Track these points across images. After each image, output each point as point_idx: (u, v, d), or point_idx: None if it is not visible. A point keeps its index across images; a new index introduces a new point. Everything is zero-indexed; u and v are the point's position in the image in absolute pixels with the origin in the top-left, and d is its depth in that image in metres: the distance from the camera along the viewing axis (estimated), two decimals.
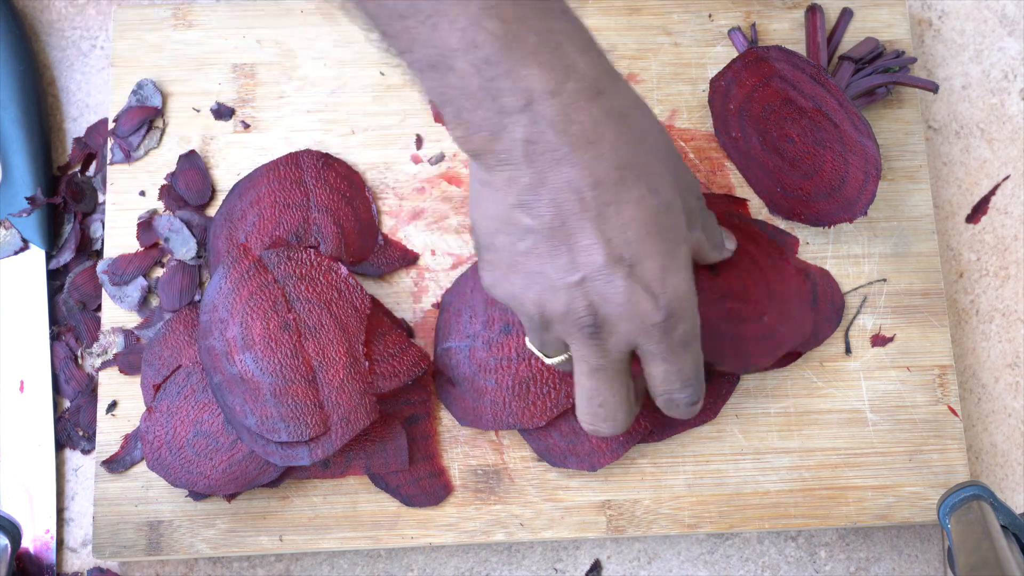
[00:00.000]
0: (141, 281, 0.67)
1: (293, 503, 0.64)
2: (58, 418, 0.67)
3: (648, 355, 0.52)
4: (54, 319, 0.69)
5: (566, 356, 0.55)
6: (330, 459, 0.62)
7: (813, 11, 0.71)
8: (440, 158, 0.69)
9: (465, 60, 0.46)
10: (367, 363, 0.61)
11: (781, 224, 0.69)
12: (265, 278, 0.62)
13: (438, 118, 0.70)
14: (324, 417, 0.60)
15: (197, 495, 0.63)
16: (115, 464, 0.64)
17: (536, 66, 0.46)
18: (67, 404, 0.67)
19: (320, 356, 0.61)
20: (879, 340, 0.67)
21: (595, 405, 0.54)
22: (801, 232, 0.69)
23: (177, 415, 0.62)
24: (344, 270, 0.63)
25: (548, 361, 0.56)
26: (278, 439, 0.59)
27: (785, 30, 0.73)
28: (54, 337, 0.68)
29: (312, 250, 0.63)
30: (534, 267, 0.50)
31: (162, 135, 0.69)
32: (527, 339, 0.56)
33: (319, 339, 0.61)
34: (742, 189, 0.70)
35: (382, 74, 0.71)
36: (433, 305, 0.67)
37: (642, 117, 0.50)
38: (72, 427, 0.67)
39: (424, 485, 0.63)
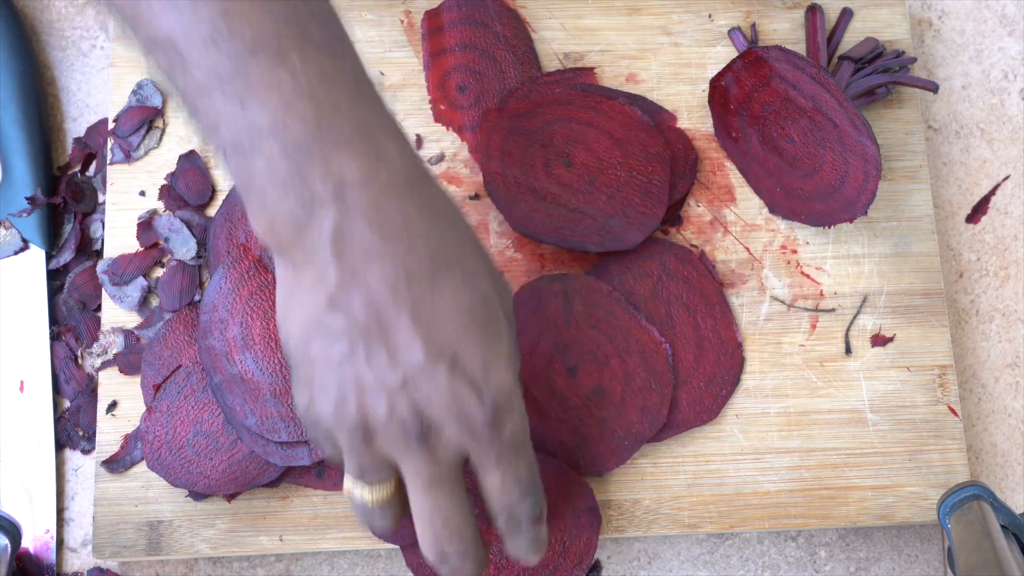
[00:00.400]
0: (141, 281, 0.67)
1: (293, 503, 0.64)
2: (58, 418, 0.67)
3: (480, 464, 0.48)
4: (54, 319, 0.69)
5: (391, 483, 0.49)
6: (326, 470, 0.62)
7: (813, 11, 0.71)
8: (440, 158, 0.69)
9: (274, 143, 0.44)
10: None
11: (781, 224, 0.69)
12: (265, 278, 0.62)
13: (438, 118, 0.70)
14: None
15: (197, 495, 0.63)
16: (115, 464, 0.64)
17: (349, 154, 0.44)
18: (67, 404, 0.67)
19: None
20: (879, 340, 0.67)
21: (438, 526, 0.49)
22: (801, 232, 0.69)
23: (177, 415, 0.62)
24: None
25: (370, 497, 0.50)
26: (278, 439, 0.59)
27: (785, 30, 0.73)
28: (54, 337, 0.68)
29: None
30: (352, 374, 0.46)
31: (162, 135, 0.70)
32: (345, 478, 0.50)
33: None
34: (742, 189, 0.70)
35: (382, 73, 0.71)
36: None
37: (453, 211, 0.49)
38: (72, 427, 0.67)
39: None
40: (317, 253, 0.45)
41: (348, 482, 0.50)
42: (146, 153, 0.69)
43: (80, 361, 0.68)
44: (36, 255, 0.69)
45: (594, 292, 0.65)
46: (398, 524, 0.51)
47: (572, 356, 0.64)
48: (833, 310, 0.68)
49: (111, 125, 0.69)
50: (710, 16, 0.73)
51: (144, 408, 0.64)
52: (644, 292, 0.66)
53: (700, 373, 0.65)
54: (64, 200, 0.69)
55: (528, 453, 0.50)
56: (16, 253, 0.69)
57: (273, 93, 0.43)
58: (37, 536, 0.65)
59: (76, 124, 0.73)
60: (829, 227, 0.69)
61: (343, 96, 0.45)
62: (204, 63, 0.44)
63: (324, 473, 0.63)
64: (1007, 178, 0.74)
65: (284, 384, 0.60)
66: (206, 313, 0.62)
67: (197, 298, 0.66)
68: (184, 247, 0.67)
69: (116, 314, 0.67)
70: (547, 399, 0.64)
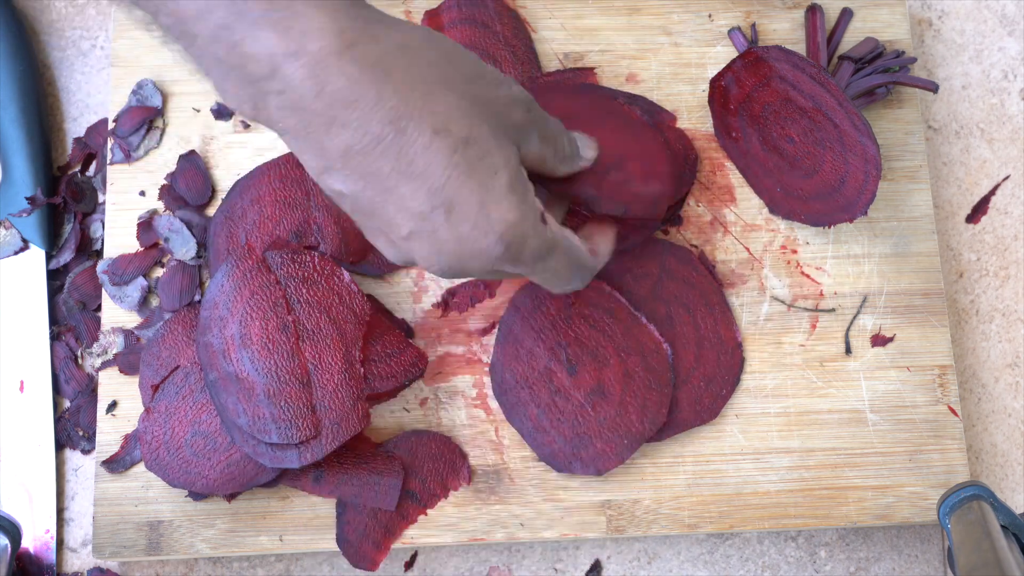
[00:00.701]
0: (141, 281, 0.67)
1: (293, 503, 0.64)
2: (58, 418, 0.67)
3: (517, 272, 0.51)
4: (54, 319, 0.69)
5: None
6: (324, 475, 0.62)
7: (813, 11, 0.71)
8: None
9: (203, 26, 0.44)
10: (362, 368, 0.61)
11: (781, 224, 0.69)
12: (267, 278, 0.62)
13: None
14: (316, 421, 0.60)
15: (197, 495, 0.63)
16: (115, 464, 0.64)
17: (269, 28, 0.43)
18: (67, 404, 0.67)
19: (316, 360, 0.61)
20: (879, 340, 0.68)
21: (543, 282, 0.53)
22: (801, 232, 0.69)
23: (175, 415, 0.62)
24: (347, 276, 0.63)
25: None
26: (268, 440, 0.59)
27: (785, 30, 0.73)
28: (54, 337, 0.68)
29: (316, 253, 0.63)
30: (368, 223, 0.48)
31: (162, 135, 0.70)
32: None
33: (316, 343, 0.61)
34: (742, 189, 0.70)
35: None
36: (433, 305, 0.67)
37: (413, 58, 0.47)
38: (72, 427, 0.67)
39: (366, 550, 0.63)
40: (286, 126, 0.46)
41: None
42: (146, 153, 0.69)
43: (80, 361, 0.68)
44: (36, 255, 0.69)
45: (594, 292, 0.65)
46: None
47: (572, 355, 0.64)
48: (833, 310, 0.68)
49: (111, 125, 0.69)
50: (710, 16, 0.73)
51: (143, 408, 0.64)
52: (644, 292, 0.66)
53: (700, 373, 0.65)
54: (64, 200, 0.69)
55: (558, 252, 0.51)
56: (16, 253, 0.69)
57: None
58: (37, 536, 0.65)
59: (76, 124, 0.73)
60: (829, 227, 0.69)
61: None
62: None
63: (321, 479, 0.63)
64: (1007, 178, 0.74)
65: (278, 385, 0.60)
66: (206, 310, 0.62)
67: (197, 298, 0.66)
68: (184, 247, 0.67)
69: (116, 314, 0.67)
70: (547, 398, 0.64)
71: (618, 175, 0.62)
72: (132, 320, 0.67)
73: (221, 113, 0.70)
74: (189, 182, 0.68)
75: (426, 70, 0.47)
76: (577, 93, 0.67)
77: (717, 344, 0.66)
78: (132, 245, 0.68)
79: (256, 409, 0.59)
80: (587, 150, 0.57)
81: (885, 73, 0.70)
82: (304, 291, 0.62)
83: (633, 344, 0.65)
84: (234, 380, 0.60)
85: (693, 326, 0.66)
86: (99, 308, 0.68)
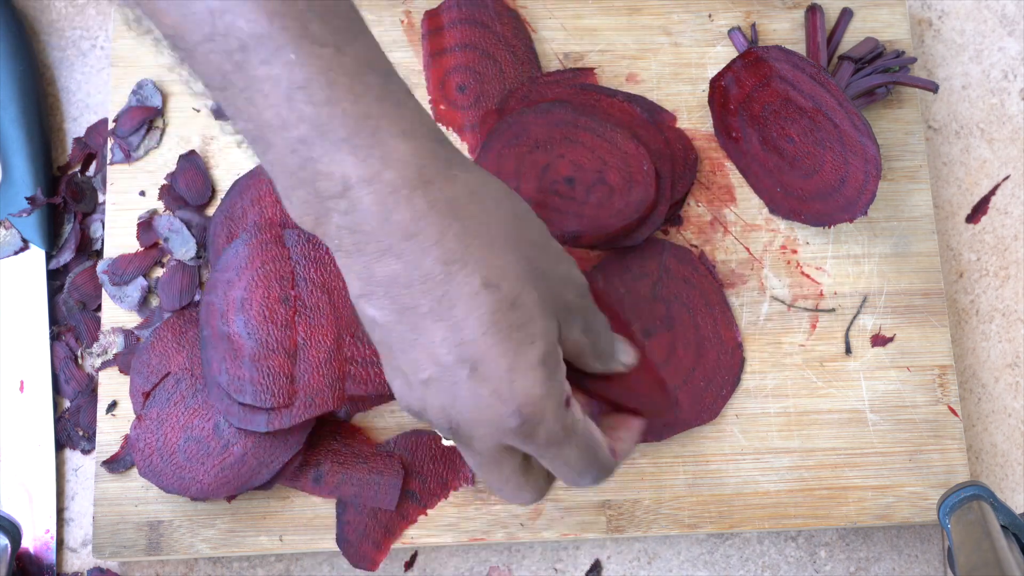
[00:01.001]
0: (141, 281, 0.67)
1: (293, 503, 0.64)
2: (58, 418, 0.67)
3: (527, 452, 0.48)
4: (54, 319, 0.68)
5: None
6: (324, 475, 0.63)
7: (813, 11, 0.71)
8: None
9: (281, 139, 0.44)
10: (346, 362, 0.62)
11: (781, 224, 0.69)
12: (280, 252, 0.63)
13: (438, 118, 0.70)
14: (292, 391, 0.60)
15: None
16: (115, 464, 0.64)
17: (350, 152, 0.43)
18: (67, 404, 0.67)
19: (307, 335, 0.61)
20: (879, 340, 0.67)
21: (495, 490, 0.50)
22: (801, 232, 0.69)
23: (167, 422, 0.62)
24: None
25: (445, 443, 0.54)
26: (241, 399, 0.60)
27: (785, 30, 0.73)
28: (54, 337, 0.68)
29: None
30: (390, 359, 0.47)
31: (162, 135, 0.70)
32: None
33: (311, 319, 0.62)
34: (742, 189, 0.70)
35: None
36: None
37: (487, 209, 0.46)
38: (72, 427, 0.67)
39: (366, 550, 0.63)
40: (340, 244, 0.45)
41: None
42: (146, 153, 0.69)
43: (80, 361, 0.68)
44: (36, 255, 0.69)
45: (685, 261, 0.67)
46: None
47: (652, 325, 0.65)
48: (833, 310, 0.68)
49: (111, 125, 0.69)
50: (710, 16, 0.73)
51: (135, 416, 0.64)
52: (644, 291, 0.66)
53: (700, 373, 0.65)
54: (64, 200, 0.69)
55: (575, 441, 0.48)
56: (16, 253, 0.69)
57: (272, 90, 0.43)
58: (37, 536, 0.65)
59: (76, 124, 0.73)
60: (829, 227, 0.69)
61: (344, 91, 0.44)
62: (208, 59, 0.44)
63: (321, 479, 0.63)
64: (1007, 178, 0.74)
65: (265, 352, 0.61)
66: (218, 271, 0.63)
67: (197, 298, 0.66)
68: (184, 247, 0.67)
69: (116, 314, 0.67)
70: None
71: (599, 192, 0.62)
72: (132, 320, 0.67)
73: (221, 113, 0.70)
74: (189, 182, 0.68)
75: (493, 222, 0.46)
76: (549, 111, 0.67)
77: (717, 344, 0.66)
78: (132, 245, 0.68)
79: (238, 369, 0.60)
80: (625, 356, 0.55)
81: (885, 73, 0.70)
82: (312, 270, 0.63)
83: (713, 334, 0.65)
84: (225, 339, 0.61)
85: (693, 326, 0.66)
86: (99, 308, 0.68)
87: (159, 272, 0.67)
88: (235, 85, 0.44)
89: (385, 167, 0.44)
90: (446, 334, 0.45)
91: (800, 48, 0.71)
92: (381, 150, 0.44)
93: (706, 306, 0.66)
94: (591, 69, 0.71)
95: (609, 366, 0.54)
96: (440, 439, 0.63)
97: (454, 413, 0.46)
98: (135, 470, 0.63)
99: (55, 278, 0.69)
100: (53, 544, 0.65)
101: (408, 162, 0.44)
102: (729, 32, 0.72)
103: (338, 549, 0.63)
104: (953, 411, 0.66)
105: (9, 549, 0.60)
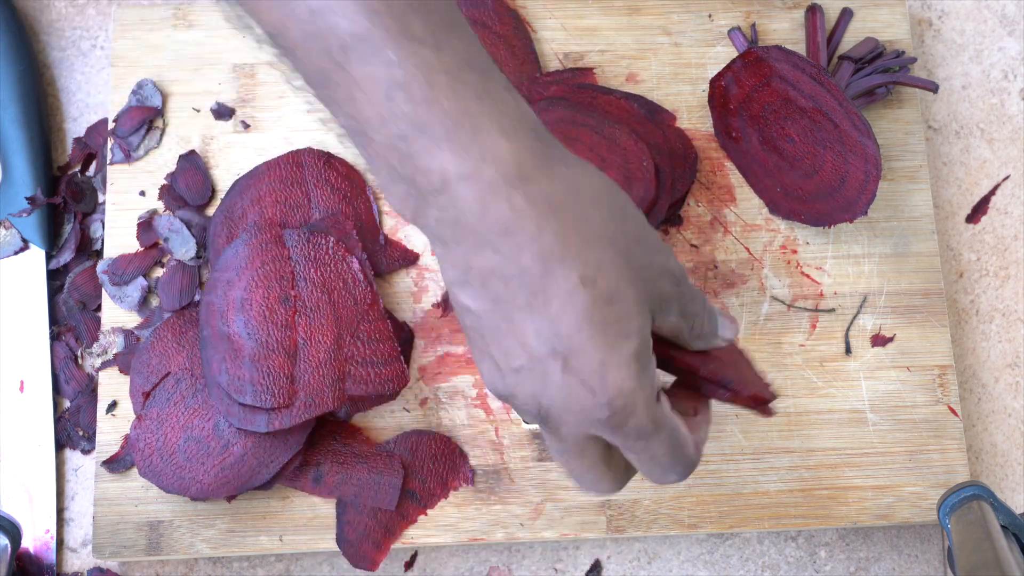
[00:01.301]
0: (141, 281, 0.67)
1: (293, 503, 0.64)
2: (58, 418, 0.67)
3: (615, 443, 0.49)
4: (54, 319, 0.68)
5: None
6: (324, 475, 0.63)
7: (813, 11, 0.71)
8: None
9: (381, 135, 0.45)
10: (346, 362, 0.62)
11: (781, 224, 0.69)
12: (280, 252, 0.63)
13: None
14: (292, 391, 0.60)
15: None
16: (115, 464, 0.64)
17: (449, 149, 0.44)
18: (67, 404, 0.67)
19: (307, 335, 0.62)
20: (879, 340, 0.68)
21: (575, 477, 0.51)
22: (801, 232, 0.69)
23: (167, 422, 0.62)
24: (356, 264, 0.63)
25: (525, 426, 0.55)
26: (242, 400, 0.60)
27: (785, 30, 0.73)
28: (54, 337, 0.68)
29: (332, 238, 0.64)
30: (481, 344, 0.48)
31: (162, 135, 0.70)
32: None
33: (311, 320, 0.62)
34: (742, 189, 0.70)
35: None
36: (433, 305, 0.67)
37: (587, 201, 0.47)
38: (72, 427, 0.67)
39: (366, 550, 0.63)
40: (439, 234, 0.46)
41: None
42: (146, 153, 0.69)
43: (80, 361, 0.68)
44: (36, 255, 0.69)
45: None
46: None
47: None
48: (833, 310, 0.68)
49: (111, 125, 0.69)
50: (710, 16, 0.73)
51: (135, 416, 0.64)
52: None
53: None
54: (64, 200, 0.69)
55: (662, 435, 0.49)
56: (16, 253, 0.69)
57: (372, 88, 0.44)
58: (37, 536, 0.65)
59: (76, 124, 0.73)
60: (829, 227, 0.69)
61: (443, 89, 0.45)
62: (308, 58, 0.45)
63: (321, 479, 0.63)
64: (1007, 178, 0.74)
65: (265, 352, 0.61)
66: (218, 271, 0.63)
67: (197, 298, 0.66)
68: (184, 247, 0.67)
69: (116, 314, 0.67)
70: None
71: None
72: (132, 320, 0.67)
73: (221, 113, 0.70)
74: (189, 182, 0.68)
75: (592, 218, 0.47)
76: (547, 110, 0.67)
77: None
78: (132, 245, 0.68)
79: (238, 370, 0.60)
80: (726, 330, 0.55)
81: (885, 73, 0.70)
82: (312, 270, 0.63)
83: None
84: (225, 339, 0.61)
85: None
86: (99, 308, 0.68)
87: (159, 272, 0.67)
88: (335, 83, 0.45)
89: (484, 163, 0.45)
90: (541, 327, 0.46)
91: (800, 48, 0.71)
92: (480, 147, 0.45)
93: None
94: (591, 69, 0.71)
95: (711, 343, 0.55)
96: (520, 423, 0.63)
97: (545, 401, 0.47)
98: (135, 470, 0.63)
99: (55, 278, 0.69)
100: (53, 544, 0.65)
101: (507, 159, 0.45)
102: (729, 32, 0.72)
103: (338, 549, 0.63)
104: (953, 411, 0.66)
105: (9, 549, 0.60)
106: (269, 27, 0.46)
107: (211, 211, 0.68)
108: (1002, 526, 0.56)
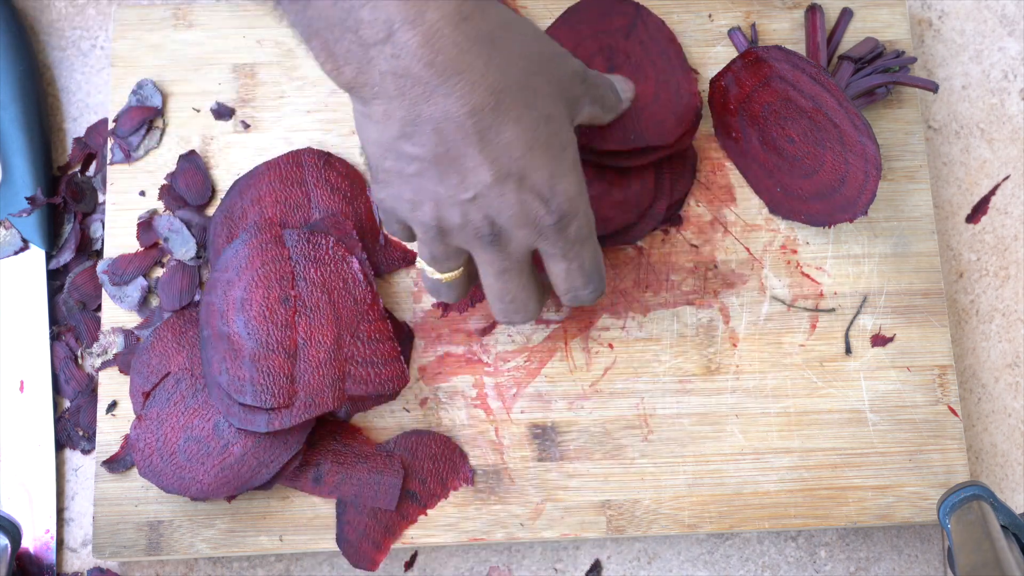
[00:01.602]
0: (141, 281, 0.67)
1: (293, 503, 0.64)
2: (58, 418, 0.67)
3: (548, 256, 0.54)
4: (54, 319, 0.68)
5: (458, 272, 0.56)
6: (324, 475, 0.63)
7: (813, 11, 0.71)
8: None
9: None
10: (346, 362, 0.62)
11: (781, 224, 0.69)
12: (280, 252, 0.63)
13: None
14: (292, 391, 0.60)
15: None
16: (115, 464, 0.64)
17: None
18: (67, 404, 0.67)
19: (307, 335, 0.62)
20: (879, 340, 0.67)
21: (506, 302, 0.56)
22: (801, 232, 0.69)
23: (167, 422, 0.62)
24: (356, 264, 0.63)
25: (439, 276, 0.57)
26: (242, 400, 0.60)
27: (785, 30, 0.73)
28: (54, 337, 0.68)
29: (332, 238, 0.64)
30: (426, 186, 0.51)
31: (162, 135, 0.70)
32: (417, 259, 0.58)
33: (311, 320, 0.62)
34: (742, 189, 0.70)
35: None
36: (433, 305, 0.67)
37: (513, 35, 0.50)
38: (72, 427, 0.67)
39: (366, 550, 0.63)
40: (382, 90, 0.48)
41: (420, 261, 0.57)
42: (146, 153, 0.69)
43: (80, 361, 0.68)
44: (36, 255, 0.69)
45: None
46: (464, 296, 0.59)
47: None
48: (833, 310, 0.68)
49: (111, 125, 0.69)
50: (710, 16, 0.73)
51: (135, 416, 0.64)
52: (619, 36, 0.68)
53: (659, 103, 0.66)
54: (64, 200, 0.69)
55: (592, 245, 0.55)
56: (16, 253, 0.69)
57: None
58: (37, 536, 0.65)
59: (76, 124, 0.73)
60: (829, 227, 0.69)
61: None
62: None
63: (321, 479, 0.63)
64: (1007, 178, 0.74)
65: (265, 352, 0.61)
66: (218, 271, 0.63)
67: (197, 298, 0.66)
68: (184, 247, 0.67)
69: (116, 314, 0.67)
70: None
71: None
72: (132, 320, 0.67)
73: (221, 113, 0.70)
74: (189, 182, 0.68)
75: (523, 48, 0.51)
76: (586, 34, 0.68)
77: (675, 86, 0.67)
78: (132, 245, 0.68)
79: (238, 370, 0.60)
80: (626, 92, 0.63)
81: (885, 73, 0.70)
82: (312, 270, 0.63)
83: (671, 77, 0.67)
84: (225, 339, 0.61)
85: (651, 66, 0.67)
86: (99, 308, 0.68)
87: (159, 272, 0.67)
88: None
89: (426, 7, 0.46)
90: (496, 155, 0.49)
91: (800, 48, 0.71)
92: None
93: (663, 54, 0.68)
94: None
95: (620, 109, 0.62)
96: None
97: (501, 220, 0.51)
98: (135, 470, 0.64)
99: (55, 278, 0.69)
100: (53, 544, 0.65)
101: (446, 1, 0.47)
102: (729, 32, 0.72)
103: (338, 549, 0.63)
104: (953, 411, 0.66)
105: (9, 549, 0.60)
106: None
107: (211, 211, 0.68)
108: (1002, 526, 0.56)
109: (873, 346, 0.67)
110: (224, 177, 0.69)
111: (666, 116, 0.66)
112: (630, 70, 0.67)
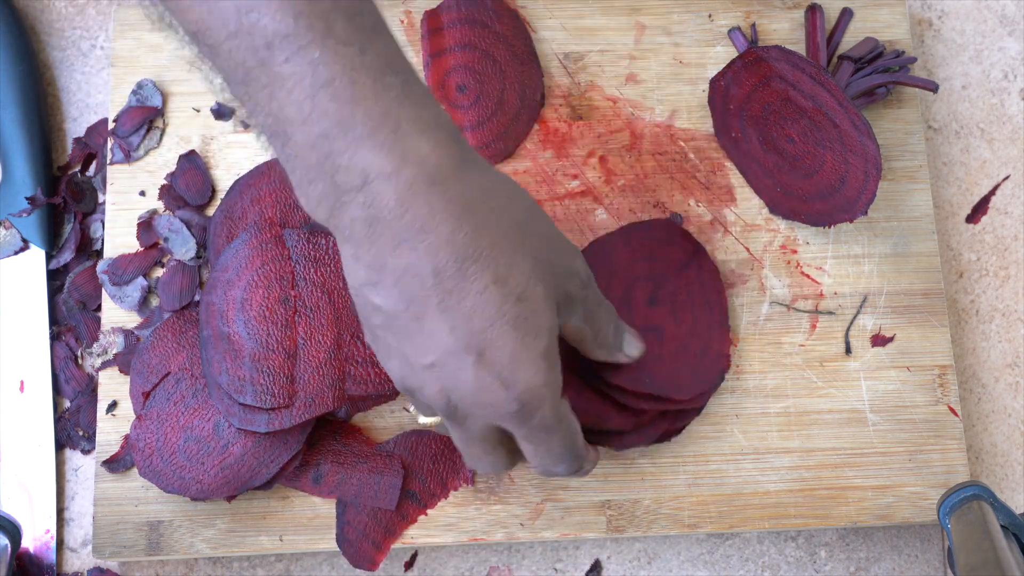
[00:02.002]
0: (141, 281, 0.67)
1: (293, 503, 0.64)
2: (58, 418, 0.67)
3: (515, 435, 0.51)
4: (54, 319, 0.69)
5: (438, 419, 0.55)
6: (324, 475, 0.63)
7: (813, 11, 0.71)
8: None
9: (302, 133, 0.45)
10: (346, 362, 0.62)
11: (781, 224, 0.69)
12: (280, 252, 0.63)
13: None
14: (292, 391, 0.60)
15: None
16: (115, 464, 0.64)
17: (371, 148, 0.45)
18: (67, 404, 0.67)
19: (307, 335, 0.62)
20: (879, 340, 0.67)
21: (473, 463, 0.54)
22: (801, 232, 0.69)
23: (167, 422, 0.62)
24: None
25: (421, 421, 0.57)
26: (242, 400, 0.60)
27: (785, 30, 0.73)
28: (54, 337, 0.68)
29: (332, 238, 0.64)
30: (391, 342, 0.49)
31: (162, 135, 0.70)
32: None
33: (311, 320, 0.62)
34: (742, 189, 0.70)
35: None
36: None
37: (498, 203, 0.48)
38: (72, 427, 0.67)
39: (366, 550, 0.63)
40: (351, 234, 0.47)
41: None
42: (146, 153, 0.69)
43: (80, 361, 0.68)
44: (36, 255, 0.69)
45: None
46: (510, 468, 0.55)
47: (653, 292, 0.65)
48: (833, 312, 0.68)
49: (111, 125, 0.69)
50: (710, 16, 0.73)
51: (135, 416, 0.64)
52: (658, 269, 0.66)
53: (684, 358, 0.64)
54: (64, 200, 0.69)
55: (562, 430, 0.51)
56: (16, 253, 0.69)
57: (295, 86, 0.45)
58: (37, 536, 0.65)
59: (76, 124, 0.73)
60: (829, 227, 0.69)
61: (367, 90, 0.45)
62: (231, 56, 0.46)
63: (321, 479, 0.63)
64: (1007, 178, 0.74)
65: (265, 352, 0.61)
66: (218, 271, 0.63)
67: (197, 298, 0.66)
68: (184, 247, 0.67)
69: (116, 314, 0.67)
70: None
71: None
72: (132, 320, 0.67)
73: (221, 113, 0.70)
74: (189, 182, 0.68)
75: (503, 219, 0.48)
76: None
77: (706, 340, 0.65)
78: (132, 245, 0.68)
79: (238, 370, 0.61)
80: (632, 348, 0.58)
81: (885, 73, 0.70)
82: (312, 270, 0.63)
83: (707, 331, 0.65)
84: (225, 339, 0.61)
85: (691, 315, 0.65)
86: (99, 308, 0.68)
87: (159, 272, 0.67)
88: (257, 80, 0.45)
89: (405, 163, 0.46)
90: (455, 323, 0.47)
91: (800, 48, 0.72)
92: (402, 147, 0.46)
93: (706, 304, 0.66)
94: None
95: (613, 356, 0.57)
96: (419, 420, 0.62)
97: (455, 396, 0.49)
98: (135, 470, 0.64)
99: (55, 278, 0.69)
100: (53, 544, 0.65)
101: (427, 160, 0.46)
102: (729, 32, 0.72)
103: (338, 549, 0.63)
104: (953, 411, 0.66)
105: (9, 549, 0.60)
106: (193, 26, 0.46)
107: (211, 211, 0.68)
108: (1002, 526, 0.56)
109: (873, 346, 0.67)
110: (224, 177, 0.69)
111: (687, 372, 0.63)
112: (669, 308, 0.64)
